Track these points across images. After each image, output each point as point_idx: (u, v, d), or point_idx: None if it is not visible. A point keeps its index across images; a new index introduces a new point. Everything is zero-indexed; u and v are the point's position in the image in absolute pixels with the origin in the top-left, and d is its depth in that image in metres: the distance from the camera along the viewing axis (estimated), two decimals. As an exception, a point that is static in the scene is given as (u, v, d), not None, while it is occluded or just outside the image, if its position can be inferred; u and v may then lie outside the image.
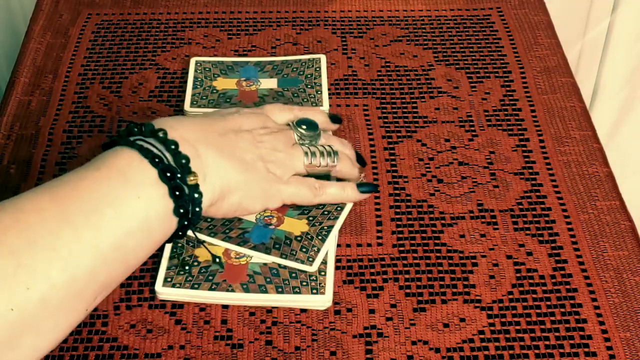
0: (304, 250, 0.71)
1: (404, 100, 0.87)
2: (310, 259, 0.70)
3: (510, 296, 0.69)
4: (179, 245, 0.72)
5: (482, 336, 0.66)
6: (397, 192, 0.78)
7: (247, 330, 0.67)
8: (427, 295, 0.69)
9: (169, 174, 0.62)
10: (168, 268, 0.70)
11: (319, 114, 0.79)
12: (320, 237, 0.72)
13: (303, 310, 0.68)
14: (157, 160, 0.62)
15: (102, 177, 0.61)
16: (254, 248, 0.71)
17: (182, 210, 0.63)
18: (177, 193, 0.62)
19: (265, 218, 0.74)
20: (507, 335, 0.66)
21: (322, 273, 0.70)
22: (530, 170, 0.80)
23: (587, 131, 0.84)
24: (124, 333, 0.67)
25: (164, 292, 0.69)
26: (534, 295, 0.69)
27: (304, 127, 0.75)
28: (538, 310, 0.68)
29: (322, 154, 0.74)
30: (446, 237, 0.74)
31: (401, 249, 0.73)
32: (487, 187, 0.78)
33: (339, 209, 0.75)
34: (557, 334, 0.67)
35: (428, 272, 0.71)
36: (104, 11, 0.99)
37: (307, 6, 1.00)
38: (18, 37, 1.15)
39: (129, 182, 0.61)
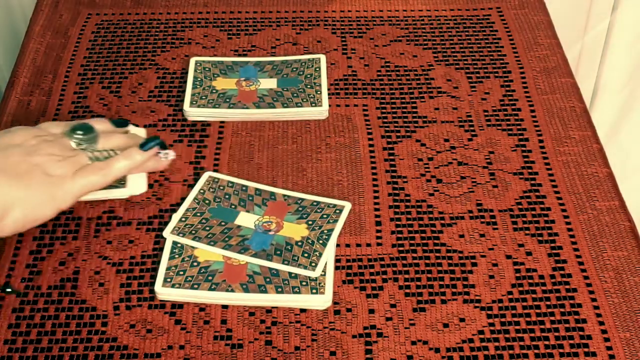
0: (305, 255, 0.71)
1: (403, 100, 0.87)
2: (313, 264, 0.70)
3: (510, 296, 0.69)
4: (179, 245, 0.72)
5: (481, 336, 0.66)
6: (397, 192, 0.78)
7: (247, 330, 0.67)
8: (426, 295, 0.69)
9: None
10: (168, 268, 0.70)
11: (101, 123, 0.78)
12: (321, 242, 0.72)
13: (303, 310, 0.68)
14: None
15: None
16: (255, 255, 0.71)
17: None
18: None
19: (264, 224, 0.74)
20: (507, 335, 0.66)
21: (322, 273, 0.70)
22: (530, 170, 0.80)
23: (587, 131, 0.84)
24: (124, 333, 0.67)
25: (164, 292, 0.69)
26: (534, 295, 0.69)
27: (80, 132, 0.74)
28: (538, 310, 0.68)
29: (105, 157, 0.74)
30: (446, 237, 0.74)
31: (401, 248, 0.73)
32: (487, 187, 0.78)
33: (337, 211, 0.75)
34: (556, 334, 0.67)
35: (428, 272, 0.71)
36: (104, 11, 0.99)
37: (307, 6, 1.00)
38: (18, 37, 1.15)
39: None
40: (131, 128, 0.80)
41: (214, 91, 0.86)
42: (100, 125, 0.77)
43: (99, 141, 0.75)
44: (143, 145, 0.75)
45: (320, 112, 0.85)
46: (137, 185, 0.77)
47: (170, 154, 0.77)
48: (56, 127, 0.76)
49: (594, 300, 0.69)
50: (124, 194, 0.76)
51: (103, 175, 0.73)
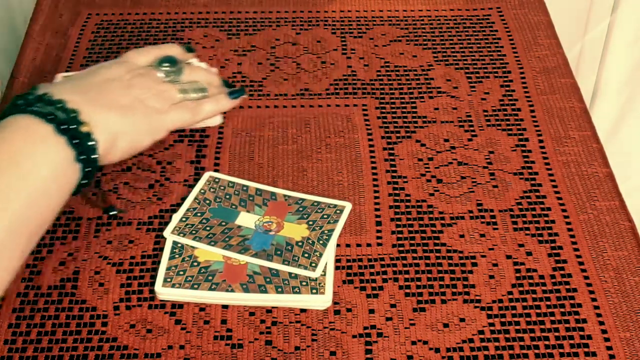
0: (306, 255, 0.71)
1: (403, 100, 0.87)
2: (313, 265, 0.70)
3: (510, 296, 0.69)
4: (179, 245, 0.72)
5: (481, 336, 0.66)
6: (397, 192, 0.78)
7: (247, 330, 0.67)
8: (426, 295, 0.69)
9: (63, 126, 0.68)
10: (168, 268, 0.70)
11: (174, 48, 0.85)
12: (321, 242, 0.72)
13: (303, 310, 0.68)
14: (50, 117, 0.68)
15: (7, 138, 0.66)
16: (256, 255, 0.71)
17: (83, 157, 0.68)
18: (75, 141, 0.68)
19: (265, 224, 0.74)
20: (507, 335, 0.66)
21: (322, 273, 0.70)
22: (530, 171, 0.80)
23: (587, 131, 0.84)
24: (124, 333, 0.67)
25: (164, 292, 0.69)
26: (534, 295, 0.69)
27: (166, 64, 0.81)
28: (538, 310, 0.68)
29: (194, 90, 0.81)
30: (446, 237, 0.74)
31: (401, 249, 0.73)
32: (487, 187, 0.78)
33: (338, 212, 0.75)
34: (556, 333, 0.67)
35: (428, 272, 0.71)
36: (104, 11, 0.99)
37: (307, 6, 1.00)
38: (18, 37, 1.14)
39: (31, 138, 0.67)
40: (194, 61, 0.86)
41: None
42: (174, 49, 0.84)
43: (183, 72, 0.82)
44: (231, 94, 0.84)
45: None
46: (214, 119, 0.84)
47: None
48: (142, 57, 0.82)
49: (594, 300, 0.69)
50: (203, 124, 0.84)
51: (193, 115, 0.80)
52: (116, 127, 0.73)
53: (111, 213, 0.75)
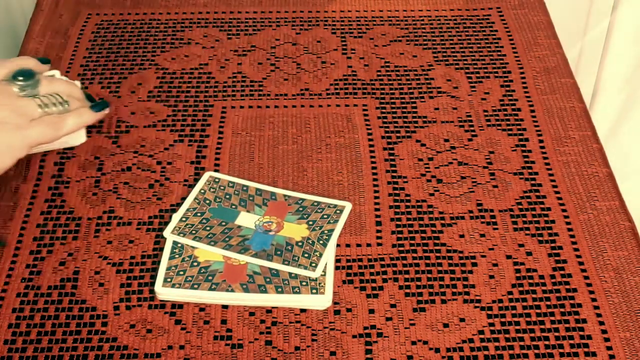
0: (306, 255, 0.71)
1: (403, 100, 0.87)
2: (313, 265, 0.70)
3: (510, 296, 0.69)
4: (179, 245, 0.72)
5: (481, 336, 0.66)
6: (397, 192, 0.78)
7: (247, 330, 0.67)
8: (426, 295, 0.69)
9: None
10: (168, 268, 0.70)
11: (28, 60, 0.80)
12: (321, 242, 0.72)
13: (303, 310, 0.68)
14: None
15: None
16: (256, 255, 0.71)
17: None
18: None
19: (265, 224, 0.74)
20: (507, 335, 0.66)
21: (322, 273, 0.70)
22: (530, 171, 0.80)
23: (587, 131, 0.84)
24: (124, 333, 0.67)
25: (164, 292, 0.69)
26: (534, 295, 0.69)
27: (21, 78, 0.77)
28: (538, 310, 0.68)
29: (54, 104, 0.77)
30: (446, 237, 0.74)
31: (401, 249, 0.73)
32: (487, 187, 0.78)
33: (338, 212, 0.75)
34: (556, 334, 0.67)
35: (428, 272, 0.71)
36: (104, 11, 0.99)
37: (307, 6, 1.00)
38: (18, 37, 1.14)
39: None
40: (57, 74, 0.83)
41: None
42: (28, 62, 0.80)
43: (41, 85, 0.78)
44: (94, 107, 0.80)
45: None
46: (77, 136, 0.81)
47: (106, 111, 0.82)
48: None
49: (594, 300, 0.69)
50: (65, 144, 0.81)
51: (55, 130, 0.76)
52: None
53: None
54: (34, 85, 0.78)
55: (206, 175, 0.78)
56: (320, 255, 0.71)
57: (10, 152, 0.73)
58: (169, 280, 0.69)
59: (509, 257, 0.72)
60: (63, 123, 0.77)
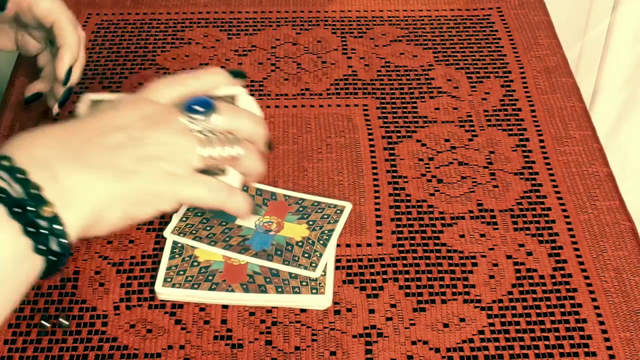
0: (306, 255, 0.71)
1: (403, 100, 0.87)
2: (313, 265, 0.70)
3: (510, 296, 0.69)
4: (179, 245, 0.72)
5: (482, 336, 0.66)
6: (397, 192, 0.78)
7: (247, 330, 0.67)
8: (427, 295, 0.69)
9: (18, 210, 0.51)
10: (168, 268, 0.70)
11: (218, 76, 0.66)
12: (321, 242, 0.72)
13: (303, 310, 0.68)
14: (2, 195, 0.51)
15: None
16: (256, 255, 0.71)
17: (43, 247, 0.52)
18: (32, 230, 0.52)
19: (265, 224, 0.74)
20: (507, 335, 0.66)
21: (322, 273, 0.70)
22: (530, 170, 0.80)
23: (587, 131, 0.84)
24: (124, 333, 0.67)
25: (164, 292, 0.69)
26: (534, 295, 0.69)
27: (196, 108, 0.61)
28: (538, 310, 0.68)
29: (222, 142, 0.62)
30: (446, 237, 0.74)
31: (401, 249, 0.73)
32: (487, 187, 0.78)
33: (338, 212, 0.75)
34: (557, 334, 0.66)
35: (428, 272, 0.71)
36: (104, 11, 0.99)
37: (307, 6, 1.00)
38: (18, 37, 1.14)
39: None
40: (242, 95, 0.67)
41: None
42: (218, 77, 0.66)
43: (220, 116, 0.62)
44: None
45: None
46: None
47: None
48: (167, 91, 0.63)
49: (594, 300, 0.69)
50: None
51: (216, 199, 0.61)
52: (106, 195, 0.56)
53: (59, 321, 0.67)
54: (209, 119, 0.62)
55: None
56: (321, 255, 0.71)
57: (154, 203, 0.59)
58: (169, 280, 0.69)
59: (509, 257, 0.72)
60: (228, 196, 0.62)
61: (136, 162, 0.58)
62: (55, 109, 0.78)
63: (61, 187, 0.54)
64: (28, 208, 0.52)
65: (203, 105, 0.61)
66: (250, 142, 0.64)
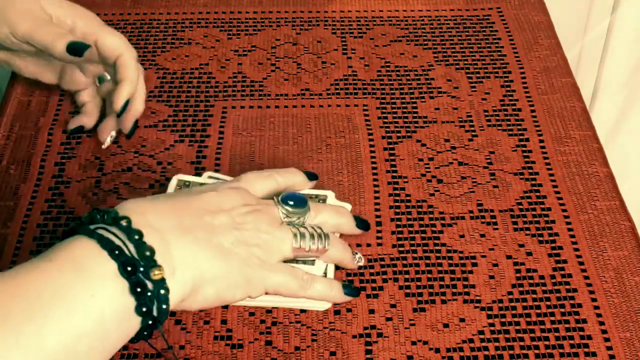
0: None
1: (403, 101, 0.87)
2: (312, 260, 0.70)
3: (510, 296, 0.69)
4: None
5: (482, 336, 0.66)
6: (397, 192, 0.78)
7: (247, 331, 0.67)
8: (426, 295, 0.69)
9: (129, 268, 0.55)
10: (168, 268, 0.70)
11: (297, 175, 0.73)
12: None
13: (303, 311, 0.68)
14: (117, 252, 0.55)
15: (52, 270, 0.53)
16: None
17: (145, 309, 0.55)
18: (139, 289, 0.55)
19: None
20: (507, 336, 0.66)
21: (322, 273, 0.70)
22: (530, 171, 0.80)
23: (587, 131, 0.84)
24: (124, 333, 0.66)
25: (164, 292, 0.69)
26: (534, 296, 0.69)
27: (291, 203, 0.67)
28: (538, 311, 0.68)
29: (312, 236, 0.66)
30: (446, 237, 0.74)
31: (401, 249, 0.73)
32: (487, 187, 0.78)
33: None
34: (557, 334, 0.67)
35: (428, 272, 0.71)
36: (104, 11, 0.99)
37: (307, 6, 1.00)
38: (18, 37, 1.14)
39: (83, 275, 0.54)
40: (330, 199, 0.75)
41: None
42: (295, 176, 0.72)
43: (309, 213, 0.68)
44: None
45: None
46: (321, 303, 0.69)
47: (362, 260, 0.71)
48: (261, 186, 0.69)
49: (594, 300, 0.69)
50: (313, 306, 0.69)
51: (301, 287, 0.66)
52: (208, 271, 0.60)
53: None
54: (302, 213, 0.67)
55: (205, 176, 0.77)
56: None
57: (244, 287, 0.63)
58: (169, 280, 0.69)
59: (509, 257, 0.72)
60: (311, 284, 0.66)
61: (235, 244, 0.63)
62: (107, 143, 0.81)
63: (170, 254, 0.58)
64: (139, 268, 0.55)
65: (298, 201, 0.68)
66: (338, 232, 0.71)
